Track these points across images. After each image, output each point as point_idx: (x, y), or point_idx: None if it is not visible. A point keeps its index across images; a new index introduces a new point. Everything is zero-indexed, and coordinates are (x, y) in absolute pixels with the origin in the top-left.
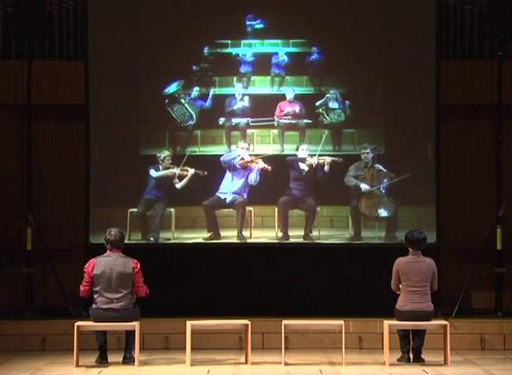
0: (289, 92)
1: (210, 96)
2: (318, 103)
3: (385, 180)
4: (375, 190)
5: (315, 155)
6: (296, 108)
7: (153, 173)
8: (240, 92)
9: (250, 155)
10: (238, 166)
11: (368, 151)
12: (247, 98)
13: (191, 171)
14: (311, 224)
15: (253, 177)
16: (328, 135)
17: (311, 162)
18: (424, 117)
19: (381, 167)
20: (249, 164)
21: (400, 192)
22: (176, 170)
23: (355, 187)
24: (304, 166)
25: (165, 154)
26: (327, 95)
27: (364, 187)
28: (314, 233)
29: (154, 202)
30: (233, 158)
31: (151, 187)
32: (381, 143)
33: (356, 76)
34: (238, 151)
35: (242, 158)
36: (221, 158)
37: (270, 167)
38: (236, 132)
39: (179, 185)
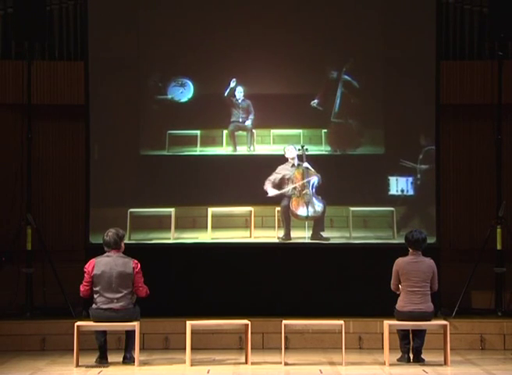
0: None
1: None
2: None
3: (316, 178)
4: (307, 190)
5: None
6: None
7: None
8: (241, 93)
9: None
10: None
11: (296, 150)
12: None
13: None
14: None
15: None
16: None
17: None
18: (424, 117)
19: (308, 165)
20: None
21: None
22: None
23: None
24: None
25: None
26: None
27: (286, 189)
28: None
29: None
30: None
31: None
32: (381, 143)
33: (355, 76)
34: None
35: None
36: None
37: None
38: (240, 132)
39: None
